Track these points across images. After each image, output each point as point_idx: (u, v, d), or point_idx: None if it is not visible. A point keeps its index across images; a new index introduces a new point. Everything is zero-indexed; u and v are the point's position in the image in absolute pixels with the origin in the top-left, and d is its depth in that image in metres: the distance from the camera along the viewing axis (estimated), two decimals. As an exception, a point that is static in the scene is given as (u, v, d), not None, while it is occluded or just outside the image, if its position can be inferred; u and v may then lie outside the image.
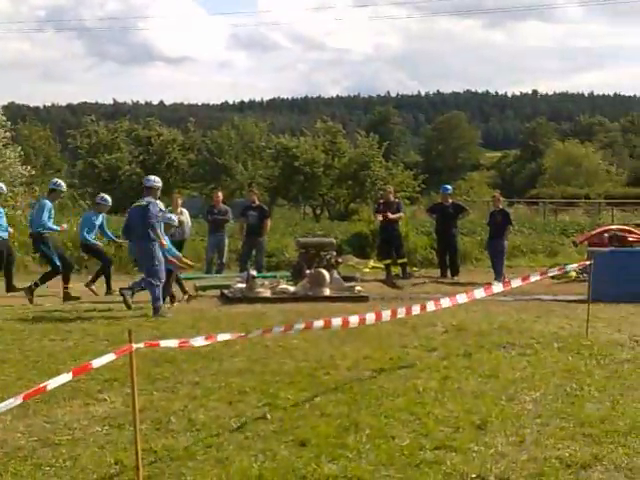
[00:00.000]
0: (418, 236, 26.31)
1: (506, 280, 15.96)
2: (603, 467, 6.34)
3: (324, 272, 17.16)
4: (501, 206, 22.28)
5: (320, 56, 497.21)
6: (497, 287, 11.61)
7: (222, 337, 6.80)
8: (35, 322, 13.28)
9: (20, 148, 35.56)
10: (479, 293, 10.60)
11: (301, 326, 7.47)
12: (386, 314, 8.78)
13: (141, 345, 5.63)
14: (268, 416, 7.65)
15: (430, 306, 9.60)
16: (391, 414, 7.70)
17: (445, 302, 9.88)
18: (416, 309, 9.43)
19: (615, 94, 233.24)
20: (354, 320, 8.28)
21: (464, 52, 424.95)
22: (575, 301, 15.55)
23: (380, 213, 21.77)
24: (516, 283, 11.57)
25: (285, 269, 21.43)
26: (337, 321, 7.82)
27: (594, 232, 22.16)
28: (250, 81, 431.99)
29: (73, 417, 7.72)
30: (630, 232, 21.03)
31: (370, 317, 8.47)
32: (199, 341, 6.46)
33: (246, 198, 28.01)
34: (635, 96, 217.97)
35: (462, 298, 10.19)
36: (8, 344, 11.34)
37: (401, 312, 9.09)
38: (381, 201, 23.17)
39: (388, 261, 21.53)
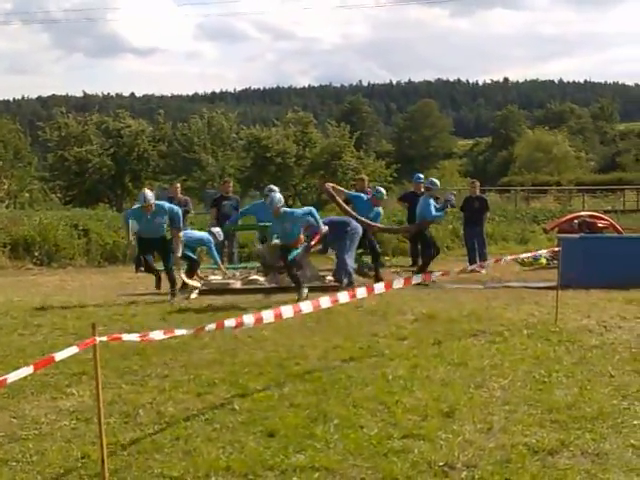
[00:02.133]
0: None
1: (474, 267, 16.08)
2: (570, 453, 6.37)
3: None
4: (478, 192, 22.33)
5: (289, 46, 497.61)
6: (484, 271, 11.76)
7: (179, 332, 6.73)
8: (3, 317, 13.19)
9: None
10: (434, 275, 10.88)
11: (252, 321, 7.37)
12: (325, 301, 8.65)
13: (104, 338, 5.59)
14: (237, 407, 7.64)
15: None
16: (360, 403, 7.70)
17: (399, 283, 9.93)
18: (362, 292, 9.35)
19: (585, 81, 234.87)
20: (304, 308, 8.19)
21: (433, 41, 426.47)
22: (545, 288, 15.59)
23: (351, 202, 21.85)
24: (436, 275, 11.88)
25: (256, 260, 21.39)
26: (288, 310, 7.77)
27: (564, 219, 22.26)
28: (219, 71, 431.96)
29: (40, 411, 7.68)
30: (600, 218, 21.18)
31: (307, 307, 8.36)
32: (158, 335, 6.42)
33: (219, 189, 27.95)
34: (605, 83, 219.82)
35: (417, 279, 10.30)
36: (-24, 339, 11.27)
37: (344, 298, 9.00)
38: (354, 191, 23.17)
39: (360, 250, 21.52)
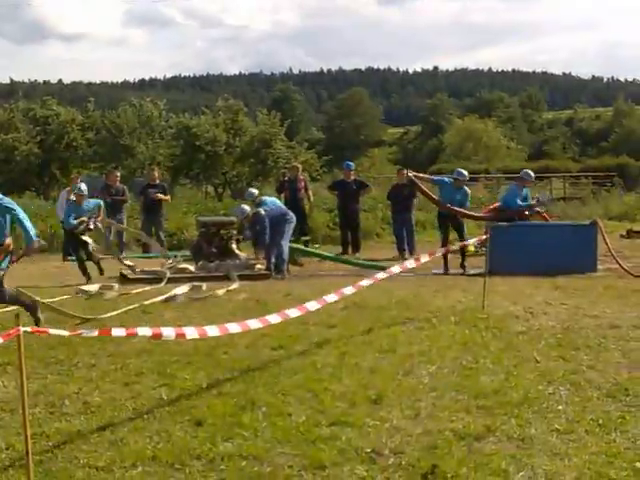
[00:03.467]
0: (320, 213, 26.38)
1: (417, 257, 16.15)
2: (496, 438, 6.43)
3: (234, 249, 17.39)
4: (406, 180, 22.44)
5: (218, 33, 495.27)
6: (410, 263, 11.75)
7: (116, 332, 6.56)
8: None
9: None
10: (396, 269, 10.83)
11: (148, 333, 6.87)
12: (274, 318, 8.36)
13: (28, 329, 5.52)
14: (164, 396, 7.60)
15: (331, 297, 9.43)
16: (288, 391, 7.71)
17: (365, 282, 9.95)
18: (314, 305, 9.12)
19: (513, 70, 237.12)
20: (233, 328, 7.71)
21: (362, 28, 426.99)
22: (473, 275, 15.75)
23: (285, 190, 21.95)
24: (424, 259, 11.97)
25: (186, 248, 21.33)
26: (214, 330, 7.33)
27: (492, 207, 22.44)
28: (148, 58, 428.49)
29: (-36, 403, 7.57)
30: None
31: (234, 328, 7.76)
32: (92, 333, 6.35)
33: (146, 177, 27.79)
34: (533, 72, 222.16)
35: (366, 282, 10.29)
36: None
37: (293, 312, 8.69)
38: (286, 178, 23.21)
39: (291, 238, 21.57)
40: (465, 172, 18.47)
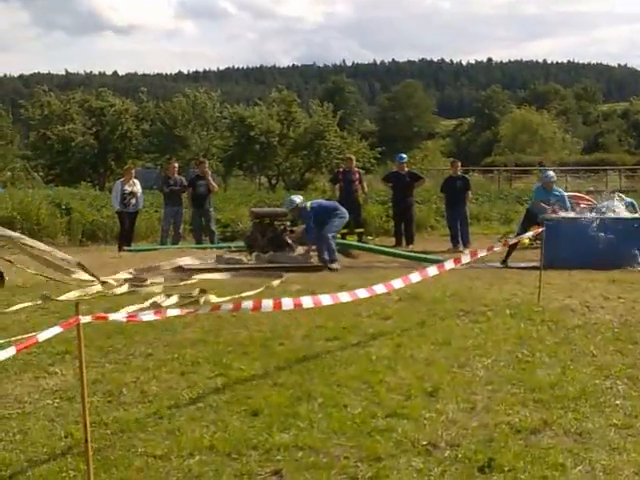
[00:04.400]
0: (373, 205, 26.35)
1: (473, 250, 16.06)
2: (552, 432, 6.40)
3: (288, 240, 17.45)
4: (459, 172, 22.36)
5: (270, 25, 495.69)
6: (465, 257, 11.65)
7: (171, 312, 6.73)
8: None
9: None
10: (449, 265, 10.72)
11: (250, 305, 7.31)
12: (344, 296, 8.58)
13: (88, 318, 5.57)
14: (220, 386, 7.63)
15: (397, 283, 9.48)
16: (344, 383, 7.71)
17: (415, 277, 9.86)
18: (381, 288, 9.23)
19: (569, 61, 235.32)
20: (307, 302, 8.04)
21: (416, 20, 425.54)
22: (528, 268, 15.64)
23: (340, 181, 21.96)
24: (482, 253, 11.86)
25: (240, 239, 21.42)
26: (288, 302, 7.63)
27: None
28: (201, 50, 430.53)
29: (24, 390, 7.65)
30: (582, 199, 21.21)
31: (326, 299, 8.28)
32: (148, 316, 6.41)
33: (194, 169, 27.99)
34: (588, 63, 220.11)
35: (433, 271, 10.27)
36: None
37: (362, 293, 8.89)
38: (341, 169, 23.20)
39: (344, 230, 21.55)
40: (551, 173, 18.55)
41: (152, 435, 6.38)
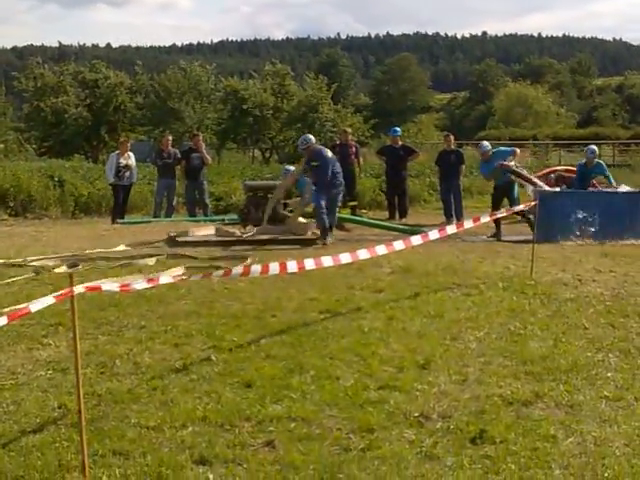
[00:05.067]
0: (367, 178, 26.31)
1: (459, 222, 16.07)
2: (544, 404, 6.44)
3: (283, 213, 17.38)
4: (453, 146, 22.34)
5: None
6: (451, 228, 11.66)
7: (164, 280, 6.77)
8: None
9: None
10: (433, 235, 10.70)
11: (239, 271, 7.43)
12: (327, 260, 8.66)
13: (81, 289, 5.57)
14: (213, 358, 7.66)
15: (381, 249, 9.52)
16: (336, 355, 7.74)
17: (398, 245, 9.86)
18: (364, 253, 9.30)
19: (564, 35, 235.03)
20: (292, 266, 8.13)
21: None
22: (520, 241, 15.66)
23: (336, 154, 21.87)
24: (468, 224, 11.93)
25: (233, 212, 21.41)
26: (274, 267, 7.73)
27: (540, 173, 22.29)
28: (195, 23, 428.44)
29: (17, 362, 7.67)
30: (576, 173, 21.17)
31: (309, 263, 8.34)
32: (141, 284, 6.42)
33: (187, 142, 27.93)
34: (583, 37, 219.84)
35: (417, 240, 10.27)
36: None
37: (345, 258, 8.96)
38: (337, 142, 23.14)
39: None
40: (593, 147, 19.08)
41: (145, 406, 6.41)
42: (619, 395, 6.62)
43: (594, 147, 19.26)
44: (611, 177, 18.89)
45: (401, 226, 18.76)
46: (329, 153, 17.04)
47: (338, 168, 16.85)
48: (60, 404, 6.46)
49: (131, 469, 5.32)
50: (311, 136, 17.43)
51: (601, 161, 19.14)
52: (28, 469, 5.33)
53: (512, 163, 17.76)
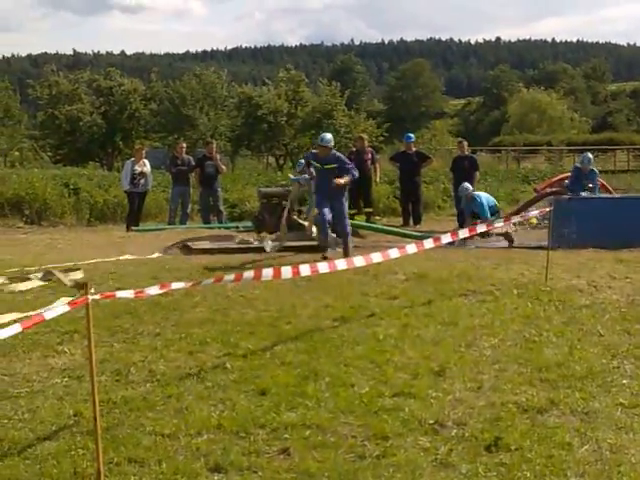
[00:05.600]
0: (381, 185, 26.29)
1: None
2: (559, 411, 6.43)
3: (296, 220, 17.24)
4: (467, 152, 22.29)
5: (278, 4, 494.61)
6: (463, 232, 11.68)
7: (176, 285, 6.80)
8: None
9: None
10: (445, 238, 10.70)
11: (251, 275, 7.45)
12: (341, 264, 8.69)
13: (97, 296, 5.59)
14: (228, 365, 7.66)
15: (394, 253, 9.52)
16: (351, 362, 7.74)
17: (411, 248, 9.85)
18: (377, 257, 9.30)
19: (578, 41, 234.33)
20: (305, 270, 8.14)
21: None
22: (535, 248, 15.62)
23: (352, 161, 21.79)
24: (481, 228, 12.20)
25: (247, 219, 21.43)
26: (287, 271, 7.73)
27: (554, 179, 22.27)
28: (209, 30, 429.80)
29: (32, 369, 7.70)
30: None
31: (323, 267, 8.36)
32: (154, 290, 6.43)
33: (201, 149, 27.97)
34: (597, 42, 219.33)
35: (429, 243, 10.25)
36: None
37: (359, 261, 8.99)
38: (354, 149, 23.11)
39: (353, 211, 21.54)
40: (589, 155, 19.19)
41: (160, 414, 6.42)
42: (635, 402, 6.61)
43: (590, 156, 19.21)
44: (597, 189, 18.86)
45: (415, 233, 18.67)
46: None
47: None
48: (75, 412, 6.47)
49: (146, 477, 5.34)
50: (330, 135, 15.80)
51: (596, 170, 19.08)
52: (44, 477, 5.35)
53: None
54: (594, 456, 5.60)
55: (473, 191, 18.02)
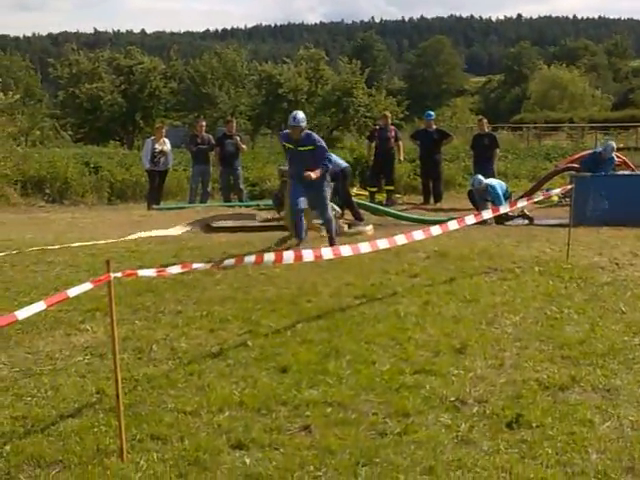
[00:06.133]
0: (401, 162, 26.23)
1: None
2: (581, 388, 6.42)
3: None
4: (487, 130, 22.19)
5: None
6: (469, 218, 11.38)
7: (197, 265, 6.79)
8: (16, 254, 13.12)
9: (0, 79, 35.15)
10: (470, 219, 10.61)
11: (272, 258, 7.47)
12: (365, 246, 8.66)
13: (119, 274, 5.59)
14: (249, 343, 7.68)
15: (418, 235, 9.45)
16: (372, 339, 7.75)
17: (435, 230, 9.80)
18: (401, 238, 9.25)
19: (599, 17, 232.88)
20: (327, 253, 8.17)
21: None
22: (557, 225, 15.56)
23: (375, 139, 21.72)
24: (504, 209, 12.13)
25: (268, 197, 21.41)
26: (308, 254, 7.74)
27: (576, 156, 22.14)
28: (228, 8, 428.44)
29: (55, 347, 7.74)
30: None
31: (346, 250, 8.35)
32: (175, 269, 6.45)
33: (221, 127, 27.91)
34: (619, 18, 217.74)
35: (453, 225, 10.17)
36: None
37: (383, 244, 8.94)
38: (377, 127, 23.05)
39: (374, 189, 21.51)
40: (613, 144, 19.33)
41: (182, 391, 6.45)
42: (657, 379, 6.59)
43: (614, 145, 19.18)
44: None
45: (419, 216, 18.22)
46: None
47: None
48: (98, 389, 6.51)
49: (169, 453, 5.36)
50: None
51: (614, 157, 19.03)
52: (67, 454, 5.38)
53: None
54: (615, 433, 5.59)
55: (484, 182, 17.73)
